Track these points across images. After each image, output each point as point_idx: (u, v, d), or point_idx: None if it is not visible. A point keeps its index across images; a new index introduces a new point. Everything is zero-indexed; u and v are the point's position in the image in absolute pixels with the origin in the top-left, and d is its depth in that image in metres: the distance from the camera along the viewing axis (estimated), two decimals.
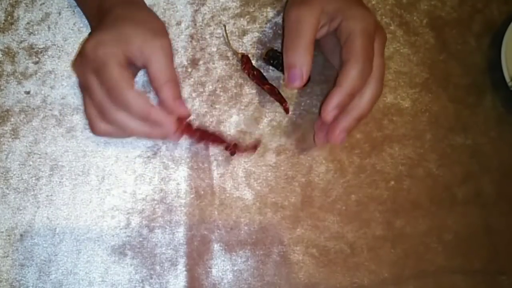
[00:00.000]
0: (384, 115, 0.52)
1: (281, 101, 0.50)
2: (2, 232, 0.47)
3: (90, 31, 0.49)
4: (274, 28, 0.52)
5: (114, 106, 0.40)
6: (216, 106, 0.50)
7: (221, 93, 0.50)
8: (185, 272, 0.47)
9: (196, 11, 0.52)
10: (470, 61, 0.54)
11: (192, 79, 0.50)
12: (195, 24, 0.51)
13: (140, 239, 0.47)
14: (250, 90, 0.51)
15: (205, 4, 0.52)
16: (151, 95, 0.48)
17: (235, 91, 0.51)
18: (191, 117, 0.48)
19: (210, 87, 0.50)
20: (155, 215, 0.48)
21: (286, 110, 0.50)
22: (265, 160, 0.50)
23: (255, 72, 0.50)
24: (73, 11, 0.50)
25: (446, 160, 0.52)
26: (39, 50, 0.50)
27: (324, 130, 0.45)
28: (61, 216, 0.47)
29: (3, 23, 0.50)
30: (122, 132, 0.42)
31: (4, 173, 0.47)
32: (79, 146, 0.48)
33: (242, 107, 0.50)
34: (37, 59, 0.50)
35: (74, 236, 0.47)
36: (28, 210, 0.47)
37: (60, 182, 0.48)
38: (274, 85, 0.50)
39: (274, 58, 0.50)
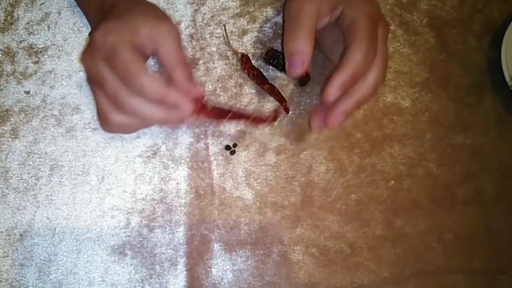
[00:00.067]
0: (384, 115, 0.52)
1: (281, 100, 0.50)
2: (2, 232, 0.47)
3: (90, 31, 0.49)
4: (274, 27, 0.52)
5: (128, 92, 0.39)
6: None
7: (221, 93, 0.50)
8: (185, 272, 0.47)
9: (196, 10, 0.52)
10: (470, 61, 0.54)
11: None
12: (195, 24, 0.51)
13: (140, 239, 0.47)
14: (250, 90, 0.51)
15: (205, 3, 0.52)
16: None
17: (235, 90, 0.51)
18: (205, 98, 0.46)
19: (210, 86, 0.50)
20: (155, 215, 0.48)
21: (286, 110, 0.50)
22: (265, 159, 0.50)
23: (255, 72, 0.50)
24: (73, 11, 0.50)
25: (446, 160, 0.52)
26: (39, 50, 0.50)
27: (322, 114, 0.44)
28: (61, 216, 0.47)
29: (3, 23, 0.50)
30: (137, 122, 0.42)
31: (4, 173, 0.47)
32: (79, 146, 0.48)
33: (242, 107, 0.50)
34: (36, 59, 0.49)
35: (74, 236, 0.47)
36: (28, 210, 0.47)
37: (60, 182, 0.48)
38: (274, 85, 0.50)
39: (274, 58, 0.50)
